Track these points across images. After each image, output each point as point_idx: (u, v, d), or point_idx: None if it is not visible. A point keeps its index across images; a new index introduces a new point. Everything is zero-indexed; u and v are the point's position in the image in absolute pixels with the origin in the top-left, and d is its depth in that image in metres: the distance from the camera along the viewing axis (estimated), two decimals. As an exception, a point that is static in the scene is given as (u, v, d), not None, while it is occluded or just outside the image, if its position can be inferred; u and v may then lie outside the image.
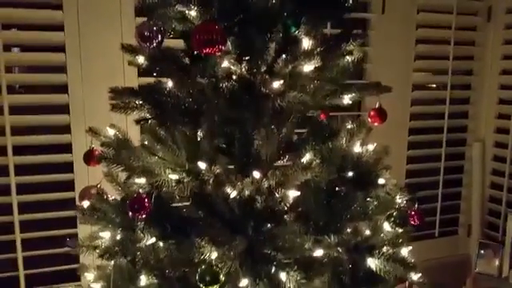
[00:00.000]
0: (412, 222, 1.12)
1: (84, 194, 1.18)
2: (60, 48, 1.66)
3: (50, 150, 1.72)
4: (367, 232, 0.96)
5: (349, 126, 1.01)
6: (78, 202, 1.17)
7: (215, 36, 0.82)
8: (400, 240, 1.01)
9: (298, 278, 0.79)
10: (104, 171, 1.16)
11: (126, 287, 1.00)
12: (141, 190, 0.90)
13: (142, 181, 0.93)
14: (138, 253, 0.97)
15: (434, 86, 2.52)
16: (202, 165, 0.88)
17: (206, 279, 0.79)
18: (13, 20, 1.67)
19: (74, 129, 1.70)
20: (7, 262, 1.71)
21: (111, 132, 1.07)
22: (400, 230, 1.01)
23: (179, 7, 0.91)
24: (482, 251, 2.28)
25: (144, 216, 0.89)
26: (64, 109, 1.70)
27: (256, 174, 0.85)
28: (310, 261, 0.86)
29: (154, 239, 0.97)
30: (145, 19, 0.97)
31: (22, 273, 1.70)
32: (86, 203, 1.15)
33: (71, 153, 1.71)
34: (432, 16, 2.31)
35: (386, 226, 1.00)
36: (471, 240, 2.47)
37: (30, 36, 1.68)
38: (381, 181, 0.99)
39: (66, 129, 1.71)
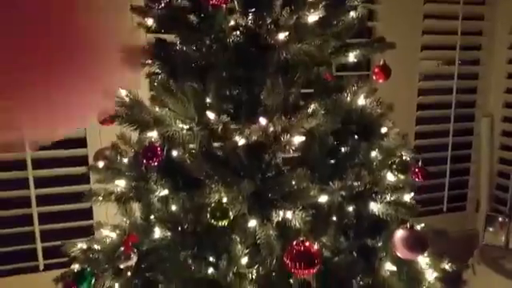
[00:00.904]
0: (416, 179, 1.15)
1: (98, 155, 1.22)
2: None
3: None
4: (370, 179, 0.99)
5: (354, 83, 1.04)
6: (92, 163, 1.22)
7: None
8: (402, 185, 1.04)
9: (304, 215, 0.83)
10: (117, 134, 1.21)
11: (141, 240, 1.04)
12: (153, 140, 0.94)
13: (154, 133, 0.97)
14: (152, 205, 1.01)
15: (441, 62, 2.51)
16: (210, 115, 0.92)
17: (217, 215, 0.83)
18: None
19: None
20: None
21: (123, 92, 1.11)
22: (402, 177, 1.04)
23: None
24: (490, 224, 2.29)
25: (156, 163, 0.93)
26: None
27: (262, 121, 0.89)
28: (315, 206, 0.90)
29: (166, 191, 1.01)
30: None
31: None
32: (100, 163, 1.20)
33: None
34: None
35: (389, 175, 1.03)
36: (479, 215, 2.49)
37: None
38: (383, 130, 1.02)
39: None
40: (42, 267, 1.84)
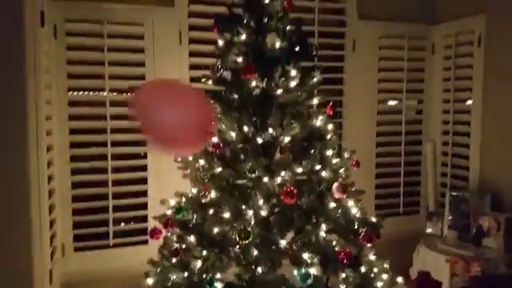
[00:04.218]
0: (353, 167, 2.27)
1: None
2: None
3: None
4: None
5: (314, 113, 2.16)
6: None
7: (251, 70, 2.00)
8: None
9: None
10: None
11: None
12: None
13: (215, 139, 2.08)
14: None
15: (395, 102, 3.70)
16: (244, 128, 2.03)
17: (242, 235, 1.88)
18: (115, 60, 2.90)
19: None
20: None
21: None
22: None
23: (232, 57, 2.10)
24: (430, 219, 3.39)
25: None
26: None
27: (270, 130, 2.00)
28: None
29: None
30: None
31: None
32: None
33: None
34: (390, 51, 3.52)
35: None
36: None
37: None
38: (328, 137, 2.13)
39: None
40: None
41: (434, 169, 3.57)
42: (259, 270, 1.88)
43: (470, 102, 3.42)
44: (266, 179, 1.97)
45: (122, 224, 3.06)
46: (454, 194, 3.30)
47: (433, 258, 3.06)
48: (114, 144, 2.95)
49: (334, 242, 2.02)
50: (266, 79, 2.07)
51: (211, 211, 2.05)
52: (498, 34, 3.15)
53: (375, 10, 3.46)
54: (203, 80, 2.26)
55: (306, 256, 1.89)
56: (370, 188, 3.48)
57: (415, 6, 3.60)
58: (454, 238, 3.17)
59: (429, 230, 3.40)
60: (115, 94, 3.00)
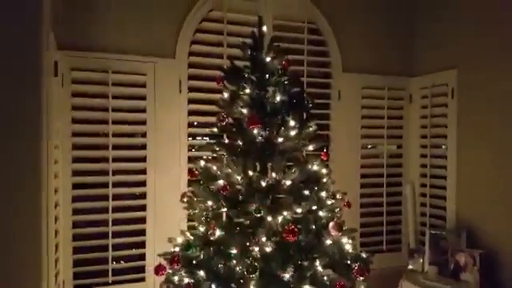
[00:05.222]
0: (345, 207, 2.56)
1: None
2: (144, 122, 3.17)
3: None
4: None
5: (310, 160, 2.46)
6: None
7: (256, 121, 2.30)
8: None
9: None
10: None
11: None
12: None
13: (221, 182, 2.34)
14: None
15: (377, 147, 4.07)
16: (250, 172, 2.30)
17: (250, 270, 2.13)
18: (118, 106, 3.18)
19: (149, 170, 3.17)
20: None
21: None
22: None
23: (237, 108, 2.41)
24: (411, 256, 3.69)
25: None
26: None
27: (272, 174, 2.29)
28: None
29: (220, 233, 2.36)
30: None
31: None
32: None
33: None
34: (371, 101, 3.91)
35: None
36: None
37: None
38: (324, 180, 2.42)
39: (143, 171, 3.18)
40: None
41: (414, 209, 3.89)
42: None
43: (444, 147, 3.81)
44: (269, 218, 2.24)
45: (122, 262, 3.25)
46: (433, 232, 3.62)
47: (415, 291, 3.34)
48: (116, 185, 3.18)
49: (330, 276, 2.29)
50: (267, 128, 2.38)
51: (215, 248, 2.30)
52: (469, 86, 3.57)
53: (358, 63, 3.87)
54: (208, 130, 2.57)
55: (305, 288, 2.15)
56: (355, 226, 3.76)
57: (394, 60, 4.05)
58: (434, 274, 3.46)
59: (410, 267, 3.69)
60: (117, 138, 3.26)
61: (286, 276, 2.16)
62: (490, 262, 3.29)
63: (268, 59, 2.48)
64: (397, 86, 4.03)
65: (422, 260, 3.65)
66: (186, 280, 2.26)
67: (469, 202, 3.59)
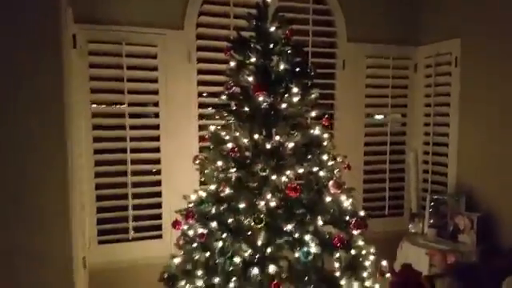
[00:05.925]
0: (345, 170, 2.78)
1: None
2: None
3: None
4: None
5: (317, 127, 2.67)
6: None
7: (261, 88, 2.51)
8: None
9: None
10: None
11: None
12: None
13: (230, 144, 2.57)
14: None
15: (382, 116, 4.25)
16: (256, 136, 2.52)
17: (257, 221, 2.36)
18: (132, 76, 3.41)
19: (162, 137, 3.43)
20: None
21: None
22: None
23: (244, 76, 2.62)
24: (413, 219, 3.91)
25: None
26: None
27: (276, 137, 2.51)
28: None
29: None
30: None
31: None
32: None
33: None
34: (376, 70, 4.08)
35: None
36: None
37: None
38: (324, 143, 2.64)
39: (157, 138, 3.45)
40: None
41: (417, 175, 4.09)
42: (268, 250, 2.38)
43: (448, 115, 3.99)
44: (273, 177, 2.47)
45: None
46: (434, 197, 3.83)
47: (414, 251, 3.58)
48: (133, 151, 3.46)
49: (330, 230, 2.52)
50: (272, 95, 2.58)
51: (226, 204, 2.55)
52: (472, 55, 3.72)
53: (363, 33, 4.03)
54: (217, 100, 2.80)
55: (307, 238, 2.39)
56: (358, 193, 3.99)
57: (400, 30, 4.18)
58: (433, 235, 3.69)
59: (411, 230, 3.92)
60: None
61: (290, 227, 2.41)
62: (487, 224, 3.50)
63: (272, 29, 2.66)
64: (402, 55, 4.18)
65: (422, 223, 3.87)
66: (200, 230, 2.52)
67: (469, 167, 3.78)
